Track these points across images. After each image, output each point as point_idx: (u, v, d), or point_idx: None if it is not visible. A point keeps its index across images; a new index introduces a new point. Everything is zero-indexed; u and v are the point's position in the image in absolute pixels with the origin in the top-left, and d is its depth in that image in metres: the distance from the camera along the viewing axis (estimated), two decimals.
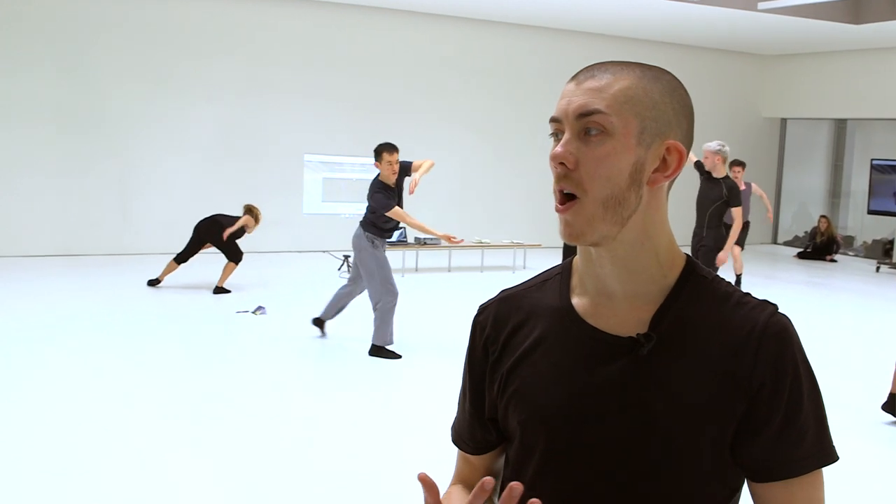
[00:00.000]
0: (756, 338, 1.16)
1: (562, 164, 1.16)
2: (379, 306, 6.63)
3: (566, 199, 1.17)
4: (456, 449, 1.44)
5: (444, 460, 1.54)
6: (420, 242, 11.12)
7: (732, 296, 1.22)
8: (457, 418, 1.42)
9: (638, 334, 1.19)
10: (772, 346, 1.16)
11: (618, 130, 1.15)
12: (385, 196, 6.63)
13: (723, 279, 1.26)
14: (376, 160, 6.71)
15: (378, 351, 6.75)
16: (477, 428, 1.36)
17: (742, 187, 10.26)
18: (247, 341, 7.14)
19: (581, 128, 1.16)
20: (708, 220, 7.40)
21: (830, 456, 1.21)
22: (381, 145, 6.78)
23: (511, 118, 13.45)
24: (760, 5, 10.70)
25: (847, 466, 4.67)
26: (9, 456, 4.50)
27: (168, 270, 9.14)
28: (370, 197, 6.68)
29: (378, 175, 6.74)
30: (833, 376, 6.63)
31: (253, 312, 8.12)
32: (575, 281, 1.28)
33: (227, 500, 4.15)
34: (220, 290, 8.95)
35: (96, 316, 7.77)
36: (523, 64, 13.53)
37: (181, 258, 9.09)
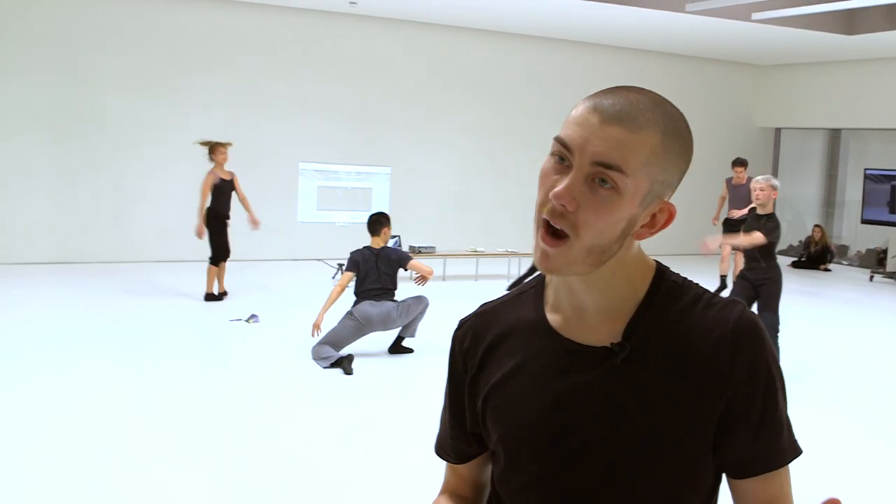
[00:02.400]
0: (729, 337, 1.18)
1: (563, 205, 1.12)
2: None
3: (555, 234, 1.15)
4: None
5: (436, 468, 1.54)
6: (415, 251, 11.11)
7: (702, 298, 1.23)
8: (439, 430, 1.44)
9: (612, 344, 1.20)
10: (746, 344, 1.18)
11: (628, 192, 1.12)
12: None
13: (693, 282, 1.28)
14: (383, 232, 6.92)
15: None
16: (458, 440, 1.38)
17: (742, 182, 10.37)
18: (240, 349, 7.13)
19: (592, 173, 1.12)
20: (767, 255, 7.56)
21: (799, 448, 1.26)
22: (386, 216, 7.09)
23: (506, 127, 13.47)
24: (755, 16, 10.73)
25: (842, 476, 4.67)
26: (4, 462, 4.48)
27: (211, 278, 8.96)
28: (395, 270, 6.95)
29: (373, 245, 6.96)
30: (827, 386, 6.63)
31: (246, 321, 8.11)
32: (549, 294, 1.29)
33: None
34: (220, 295, 8.90)
35: (90, 324, 7.74)
36: (519, 74, 13.55)
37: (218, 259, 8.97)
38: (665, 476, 1.19)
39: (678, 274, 1.27)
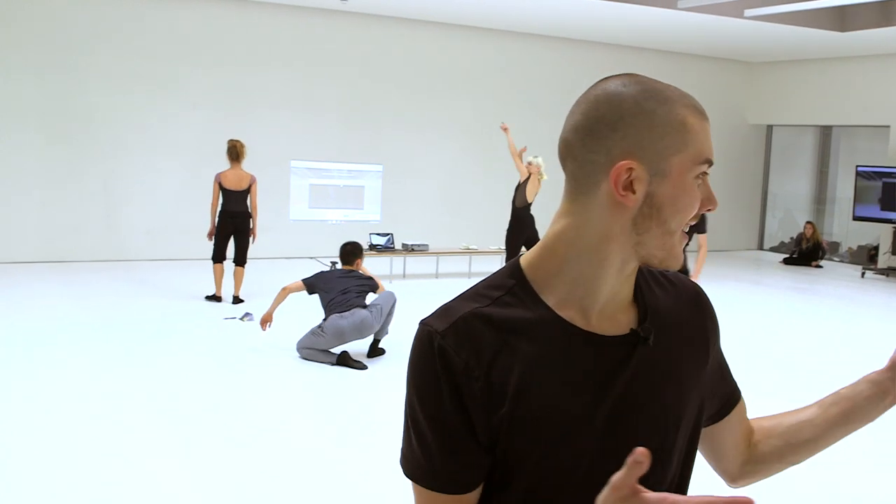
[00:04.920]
0: (701, 301, 1.35)
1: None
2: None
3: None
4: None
5: None
6: (407, 249, 11.10)
7: (655, 273, 1.33)
8: (432, 460, 1.20)
9: (635, 328, 1.22)
10: (708, 301, 1.36)
11: None
12: None
13: None
14: (356, 263, 7.04)
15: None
16: (473, 461, 1.20)
17: None
18: (234, 348, 7.11)
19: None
20: None
21: None
22: (360, 247, 7.19)
23: (496, 124, 13.43)
24: (748, 13, 10.74)
25: (833, 472, 4.68)
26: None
27: (219, 278, 8.94)
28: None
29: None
30: (819, 382, 6.64)
31: (240, 319, 8.09)
32: (548, 294, 1.21)
33: (215, 502, 4.12)
34: (238, 299, 8.84)
35: (82, 322, 7.71)
36: (511, 71, 13.54)
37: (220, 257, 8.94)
38: (687, 450, 1.28)
39: None
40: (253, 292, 9.21)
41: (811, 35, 12.08)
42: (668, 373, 1.23)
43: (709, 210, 1.20)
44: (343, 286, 6.72)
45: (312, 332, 6.70)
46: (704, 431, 1.35)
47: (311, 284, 6.76)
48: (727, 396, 1.38)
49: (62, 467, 4.46)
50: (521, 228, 9.61)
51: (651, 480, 1.18)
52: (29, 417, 5.21)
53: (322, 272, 6.92)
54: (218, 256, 8.90)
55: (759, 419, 1.45)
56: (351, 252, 7.02)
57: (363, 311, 6.58)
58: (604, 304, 1.22)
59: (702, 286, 1.41)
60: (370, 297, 6.92)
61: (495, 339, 1.18)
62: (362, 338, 6.71)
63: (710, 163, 1.18)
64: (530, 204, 9.54)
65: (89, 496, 4.15)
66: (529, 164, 9.48)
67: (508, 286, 1.22)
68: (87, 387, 5.86)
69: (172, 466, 4.56)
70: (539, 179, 9.45)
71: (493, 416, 1.17)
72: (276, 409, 5.64)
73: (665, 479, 1.23)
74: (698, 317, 1.32)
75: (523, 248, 9.65)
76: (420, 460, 1.20)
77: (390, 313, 6.83)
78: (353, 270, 7.00)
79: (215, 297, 8.92)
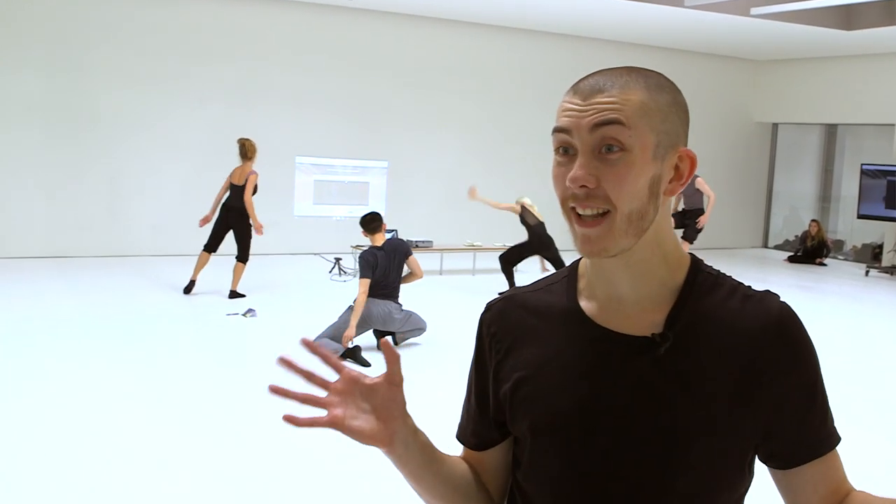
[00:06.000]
0: (774, 327, 1.19)
1: (583, 185, 1.13)
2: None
3: (595, 216, 1.15)
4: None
5: None
6: (412, 245, 11.10)
7: (738, 289, 1.24)
8: (461, 415, 1.39)
9: (653, 334, 1.18)
10: (791, 333, 1.20)
11: (636, 146, 1.13)
12: None
13: (726, 274, 1.27)
14: (382, 228, 7.07)
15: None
16: (481, 424, 1.34)
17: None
18: (237, 344, 7.12)
19: (597, 143, 1.13)
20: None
21: (838, 434, 1.27)
22: (380, 215, 7.17)
23: (504, 122, 13.45)
24: (754, 11, 10.72)
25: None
26: (1, 459, 4.47)
27: (198, 264, 9.02)
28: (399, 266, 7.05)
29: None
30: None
31: (243, 315, 8.10)
32: (582, 284, 1.27)
33: (218, 502, 4.13)
34: (234, 294, 8.86)
35: (86, 318, 7.73)
36: (517, 68, 13.53)
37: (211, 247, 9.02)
38: (705, 469, 1.18)
39: (711, 266, 1.27)
40: (257, 288, 9.23)
41: (817, 33, 12.06)
42: (688, 384, 1.17)
43: (581, 188, 1.13)
44: (384, 268, 6.86)
45: (345, 312, 6.84)
46: (776, 472, 1.25)
47: (369, 267, 6.85)
48: (802, 446, 1.22)
49: (63, 464, 4.47)
50: (533, 245, 9.75)
51: (652, 489, 1.17)
52: (30, 414, 5.22)
53: (368, 254, 6.91)
54: (206, 246, 8.99)
55: (862, 493, 1.26)
56: (374, 219, 7.08)
57: (394, 305, 6.90)
58: (621, 300, 1.22)
59: None
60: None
61: (521, 321, 1.29)
62: (384, 329, 6.94)
63: (558, 130, 1.16)
64: (543, 223, 9.60)
65: (89, 494, 4.17)
66: (522, 205, 9.66)
67: (563, 275, 1.31)
68: (89, 383, 5.87)
69: (172, 464, 4.57)
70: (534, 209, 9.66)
71: (499, 392, 1.29)
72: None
73: (672, 489, 1.17)
74: (762, 344, 1.18)
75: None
76: (462, 410, 1.39)
77: (414, 332, 7.08)
78: (388, 243, 7.02)
79: (190, 283, 8.98)
